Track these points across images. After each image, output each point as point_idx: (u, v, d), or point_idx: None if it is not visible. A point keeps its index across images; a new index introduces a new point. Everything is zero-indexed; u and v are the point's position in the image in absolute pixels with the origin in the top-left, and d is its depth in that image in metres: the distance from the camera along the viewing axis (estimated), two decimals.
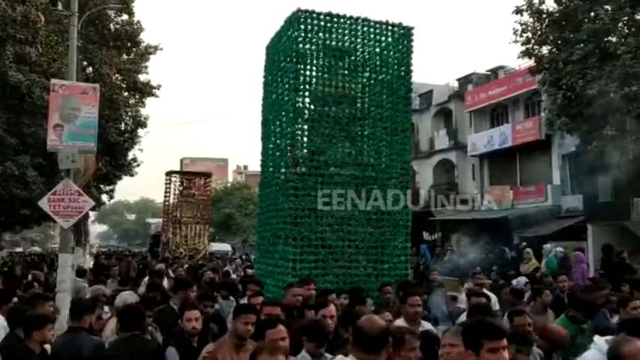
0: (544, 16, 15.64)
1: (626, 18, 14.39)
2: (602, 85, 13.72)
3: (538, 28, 15.83)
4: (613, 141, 14.40)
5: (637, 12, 14.52)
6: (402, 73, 8.35)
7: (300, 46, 7.84)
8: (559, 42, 15.47)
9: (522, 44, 16.03)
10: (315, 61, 8.01)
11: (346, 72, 8.22)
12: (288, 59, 8.06)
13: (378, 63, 8.37)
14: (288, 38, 8.18)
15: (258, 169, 9.78)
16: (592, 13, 14.58)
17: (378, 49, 8.38)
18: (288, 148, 8.00)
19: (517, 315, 4.83)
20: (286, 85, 8.15)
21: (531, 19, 15.85)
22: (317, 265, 7.56)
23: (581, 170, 21.81)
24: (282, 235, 7.91)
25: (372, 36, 8.31)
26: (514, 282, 10.08)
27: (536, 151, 24.67)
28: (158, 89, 24.42)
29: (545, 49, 16.06)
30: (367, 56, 8.36)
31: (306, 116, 7.95)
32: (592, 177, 19.89)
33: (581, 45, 14.41)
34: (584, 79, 14.25)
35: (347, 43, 8.26)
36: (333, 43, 8.14)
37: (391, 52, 8.41)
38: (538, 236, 21.52)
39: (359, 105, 8.34)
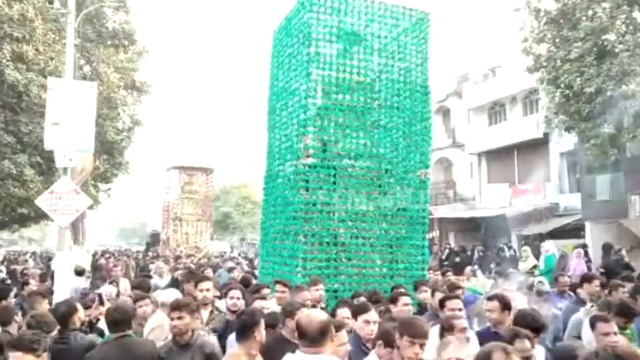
0: (542, 14, 15.65)
1: (623, 16, 14.40)
2: (600, 83, 13.75)
3: (536, 26, 15.84)
4: (611, 139, 14.43)
5: (634, 10, 14.54)
6: (420, 60, 7.91)
7: (313, 29, 7.35)
8: (557, 40, 15.47)
9: (520, 42, 16.04)
10: (328, 46, 7.50)
11: (361, 57, 7.70)
12: (299, 43, 7.61)
13: (394, 48, 7.89)
14: (299, 21, 7.72)
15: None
16: (590, 11, 14.59)
17: (394, 34, 7.90)
18: (299, 137, 7.45)
19: (602, 321, 4.34)
20: (298, 70, 7.66)
21: (529, 18, 15.86)
22: (329, 265, 7.05)
23: (579, 168, 21.85)
24: (291, 231, 7.41)
25: (388, 20, 7.81)
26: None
27: (534, 149, 24.68)
28: (155, 88, 24.39)
29: (543, 48, 16.06)
30: (383, 41, 7.84)
31: (319, 104, 7.42)
32: (590, 175, 19.93)
33: (579, 43, 14.42)
34: (582, 77, 14.27)
35: (362, 27, 7.77)
36: (348, 26, 7.66)
37: (408, 38, 7.93)
38: (536, 234, 21.56)
39: (375, 93, 7.81)
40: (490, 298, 4.93)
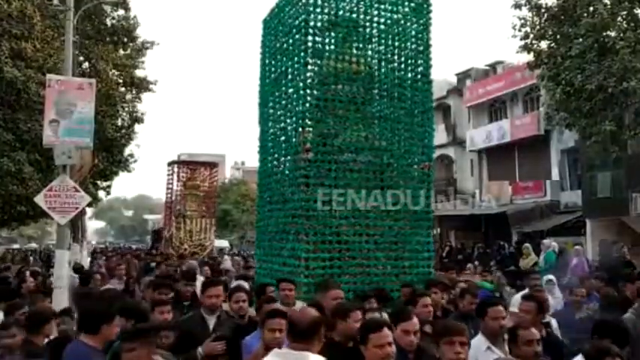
0: (543, 10, 15.58)
1: (624, 12, 14.36)
2: (601, 79, 13.68)
3: (537, 22, 15.77)
4: (612, 136, 14.39)
5: (635, 7, 14.48)
6: (421, 48, 7.55)
7: (310, 16, 7.03)
8: (558, 37, 15.40)
9: (521, 39, 15.98)
10: (325, 34, 7.16)
11: (360, 45, 7.37)
12: (296, 30, 7.30)
13: (394, 36, 7.58)
14: (293, 8, 7.45)
15: (256, 164, 8.92)
16: (591, 8, 14.52)
17: (394, 21, 7.59)
18: (297, 131, 7.13)
19: None
20: (295, 59, 7.28)
21: (530, 14, 15.79)
22: (332, 264, 6.74)
23: (579, 165, 21.82)
24: (291, 230, 7.10)
25: (387, 6, 7.48)
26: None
27: (534, 146, 24.65)
28: (155, 84, 24.31)
29: (543, 44, 16.00)
30: (383, 28, 7.50)
31: (317, 94, 7.06)
32: (591, 172, 19.91)
33: (580, 40, 14.35)
34: (583, 73, 14.20)
35: (360, 14, 7.46)
36: (345, 13, 7.35)
37: (408, 24, 7.57)
38: (537, 232, 21.54)
39: (375, 83, 7.45)
40: (527, 298, 4.67)
